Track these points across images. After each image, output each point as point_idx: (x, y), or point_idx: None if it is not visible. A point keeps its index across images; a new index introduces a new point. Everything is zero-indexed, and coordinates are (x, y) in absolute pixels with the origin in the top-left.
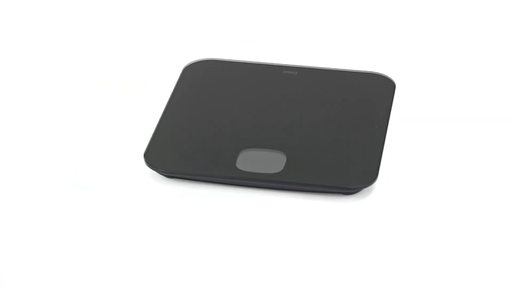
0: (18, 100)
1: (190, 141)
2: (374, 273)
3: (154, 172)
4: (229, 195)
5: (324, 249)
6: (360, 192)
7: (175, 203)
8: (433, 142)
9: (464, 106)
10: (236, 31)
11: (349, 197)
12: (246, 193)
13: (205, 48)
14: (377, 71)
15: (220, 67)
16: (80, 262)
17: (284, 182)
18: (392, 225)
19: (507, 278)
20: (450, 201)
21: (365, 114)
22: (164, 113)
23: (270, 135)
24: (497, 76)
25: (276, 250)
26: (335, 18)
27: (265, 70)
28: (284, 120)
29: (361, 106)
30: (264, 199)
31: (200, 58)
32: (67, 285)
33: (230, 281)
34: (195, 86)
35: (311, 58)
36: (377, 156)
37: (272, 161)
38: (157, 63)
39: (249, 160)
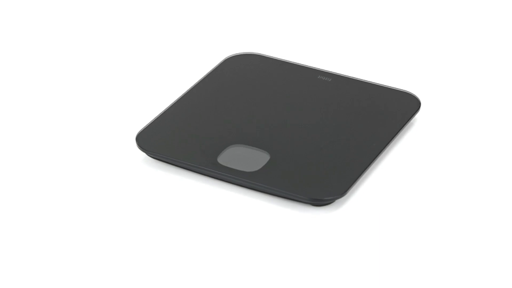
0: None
1: (187, 128)
2: None
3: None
4: (203, 186)
5: (272, 257)
6: (331, 205)
7: (153, 185)
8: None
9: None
10: (295, 28)
11: (317, 209)
12: (220, 187)
13: (262, 42)
14: (410, 91)
15: (258, 63)
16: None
17: (254, 183)
18: (351, 242)
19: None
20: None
21: (374, 130)
22: (178, 100)
23: (267, 135)
24: None
25: (226, 248)
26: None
27: (301, 72)
28: (290, 122)
29: (376, 121)
30: (234, 196)
31: (244, 51)
32: (60, 271)
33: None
34: (224, 78)
35: (355, 68)
36: (355, 173)
37: (254, 160)
38: (207, 53)
39: (232, 155)
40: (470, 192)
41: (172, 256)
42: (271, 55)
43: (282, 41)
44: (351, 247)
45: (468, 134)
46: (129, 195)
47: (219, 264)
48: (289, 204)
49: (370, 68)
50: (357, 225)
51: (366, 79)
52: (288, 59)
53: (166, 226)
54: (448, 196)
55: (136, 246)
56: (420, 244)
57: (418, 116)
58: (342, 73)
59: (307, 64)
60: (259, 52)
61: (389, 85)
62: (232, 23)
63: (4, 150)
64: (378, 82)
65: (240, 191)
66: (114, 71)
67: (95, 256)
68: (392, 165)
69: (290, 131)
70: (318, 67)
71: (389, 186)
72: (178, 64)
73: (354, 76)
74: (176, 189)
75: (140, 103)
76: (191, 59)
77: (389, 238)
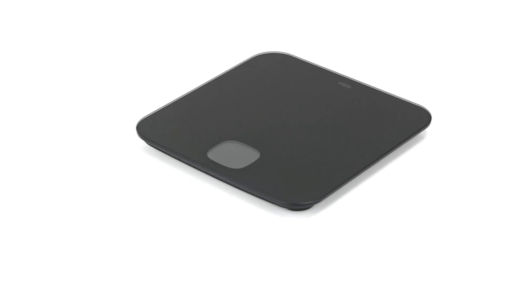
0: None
1: (189, 121)
2: None
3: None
4: (190, 179)
5: (237, 258)
6: (310, 210)
7: (146, 173)
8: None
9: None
10: (334, 33)
11: (294, 213)
12: (206, 182)
13: (301, 43)
14: (424, 105)
15: (284, 63)
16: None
17: (234, 181)
18: (321, 249)
19: None
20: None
21: (375, 140)
22: (190, 92)
23: (265, 134)
24: None
25: (194, 244)
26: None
27: (324, 76)
28: (292, 124)
29: (380, 131)
30: (216, 192)
31: (278, 51)
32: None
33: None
34: (243, 75)
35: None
36: (337, 180)
37: (242, 157)
38: (242, 49)
39: (223, 151)
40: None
41: (144, 245)
42: (304, 57)
43: (320, 44)
44: (321, 254)
45: (477, 155)
46: (122, 182)
47: (183, 259)
48: (267, 206)
49: (396, 80)
50: (329, 232)
51: (385, 90)
52: (317, 62)
53: (147, 215)
54: (433, 216)
55: (116, 231)
56: (395, 257)
57: (429, 131)
58: (365, 82)
59: (333, 69)
60: (292, 53)
61: (406, 98)
62: (274, 22)
63: (5, 135)
64: (395, 94)
65: (223, 187)
66: (145, 62)
67: (89, 238)
68: (388, 177)
69: (289, 132)
70: (344, 74)
71: (375, 198)
72: (211, 58)
73: (375, 86)
74: (166, 180)
75: (159, 94)
76: (225, 55)
77: (360, 249)
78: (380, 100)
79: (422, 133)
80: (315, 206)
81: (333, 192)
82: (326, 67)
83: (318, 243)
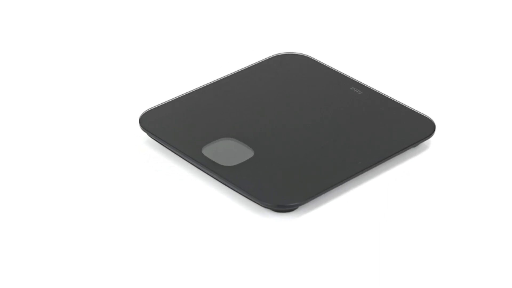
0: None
1: (193, 115)
2: None
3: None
4: (184, 173)
5: (218, 257)
6: (295, 212)
7: (144, 165)
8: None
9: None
10: (358, 38)
11: (279, 215)
12: (197, 177)
13: (325, 45)
14: (430, 116)
15: (300, 64)
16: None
17: (222, 178)
18: (302, 251)
19: None
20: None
21: (373, 146)
22: (200, 87)
23: (264, 133)
24: None
25: (178, 240)
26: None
27: (338, 80)
28: (294, 124)
29: (381, 138)
30: (205, 188)
31: (295, 51)
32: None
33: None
34: (256, 74)
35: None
36: (324, 185)
37: (236, 155)
38: (264, 49)
39: (218, 148)
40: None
41: (132, 237)
42: (324, 60)
43: (343, 48)
44: (302, 256)
45: (479, 166)
46: (118, 173)
47: (161, 254)
48: (253, 206)
49: (410, 89)
50: (312, 235)
51: (397, 98)
52: (337, 66)
53: (136, 207)
54: (418, 226)
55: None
56: (377, 262)
57: (433, 141)
58: (378, 89)
59: (351, 74)
60: (313, 55)
61: (414, 107)
62: (300, 24)
63: (10, 128)
64: (404, 102)
65: (214, 184)
66: (165, 58)
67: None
68: (383, 184)
69: (288, 133)
70: (360, 79)
71: (365, 204)
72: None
73: (387, 93)
74: (161, 173)
75: (171, 88)
76: (247, 53)
77: (341, 253)
78: (387, 107)
79: (425, 142)
80: (302, 208)
81: (320, 195)
82: (343, 71)
83: (301, 246)
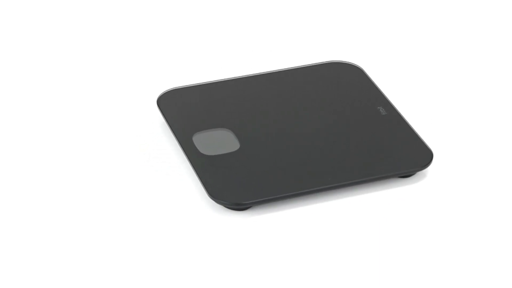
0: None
1: (207, 103)
2: None
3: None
4: (171, 158)
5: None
6: (249, 210)
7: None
8: None
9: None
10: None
11: (234, 213)
12: (181, 160)
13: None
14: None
15: (344, 74)
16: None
17: (193, 166)
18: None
19: None
20: None
21: (354, 167)
22: (233, 79)
23: (262, 133)
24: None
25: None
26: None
27: (371, 96)
28: (293, 129)
29: (371, 160)
30: (179, 173)
31: (354, 61)
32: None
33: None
34: (295, 76)
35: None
36: (284, 190)
37: (220, 146)
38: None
39: (209, 137)
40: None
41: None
42: (383, 73)
43: (410, 64)
44: (246, 256)
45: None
46: (120, 172)
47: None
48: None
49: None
50: (258, 236)
51: (412, 121)
52: (393, 81)
53: (131, 206)
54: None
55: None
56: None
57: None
58: (403, 112)
59: (388, 94)
60: (376, 67)
61: (423, 133)
62: (370, 35)
63: (29, 113)
64: (415, 127)
65: (186, 171)
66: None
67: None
68: (352, 204)
69: (285, 136)
70: (396, 100)
71: (325, 217)
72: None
73: (408, 117)
74: (162, 173)
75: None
76: (310, 56)
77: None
78: (399, 129)
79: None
80: (259, 211)
81: (275, 201)
82: (385, 89)
83: (245, 245)
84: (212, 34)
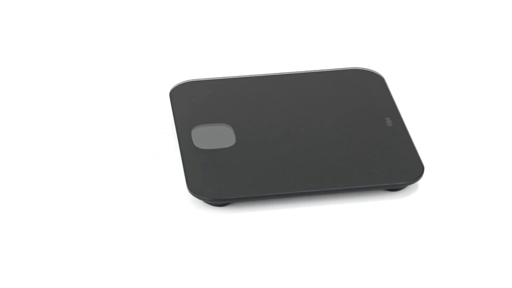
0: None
1: (220, 97)
2: None
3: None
4: (172, 153)
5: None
6: (230, 208)
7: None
8: None
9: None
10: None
11: (213, 208)
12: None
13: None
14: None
15: (363, 82)
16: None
17: (183, 158)
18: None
19: None
20: None
21: (347, 175)
22: (252, 76)
23: (262, 132)
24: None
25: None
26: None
27: (383, 107)
28: (294, 132)
29: (362, 169)
30: (170, 165)
31: (376, 70)
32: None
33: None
34: (313, 80)
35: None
36: (262, 191)
37: (215, 141)
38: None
39: (210, 131)
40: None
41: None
42: (399, 83)
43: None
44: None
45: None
46: (122, 170)
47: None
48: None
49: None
50: (234, 233)
51: (418, 136)
52: (403, 92)
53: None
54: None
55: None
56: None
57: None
58: (413, 126)
59: (405, 105)
60: (393, 77)
61: (425, 148)
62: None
63: (37, 113)
64: (419, 141)
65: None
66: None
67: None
68: (332, 211)
69: (284, 137)
70: (410, 113)
71: (305, 221)
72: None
73: (415, 131)
74: (162, 173)
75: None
76: (336, 60)
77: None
78: (398, 142)
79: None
80: (239, 208)
81: (255, 199)
82: (403, 100)
83: (218, 242)
84: (243, 32)
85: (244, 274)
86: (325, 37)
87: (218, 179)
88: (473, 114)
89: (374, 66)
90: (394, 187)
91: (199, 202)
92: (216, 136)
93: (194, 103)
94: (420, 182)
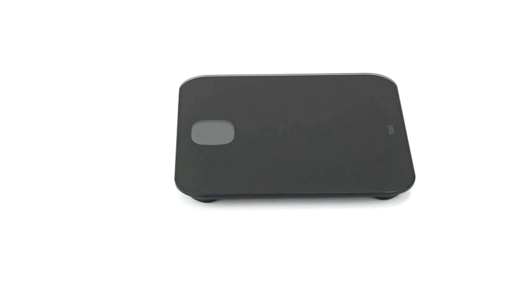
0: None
1: (223, 95)
2: None
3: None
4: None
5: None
6: (215, 204)
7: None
8: None
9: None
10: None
11: (199, 204)
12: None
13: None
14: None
15: (375, 88)
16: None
17: (177, 150)
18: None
19: None
20: None
21: (339, 180)
22: (253, 76)
23: (262, 132)
24: (495, 75)
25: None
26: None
27: (389, 115)
28: (294, 134)
29: (353, 175)
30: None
31: (393, 76)
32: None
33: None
34: (325, 84)
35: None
36: (245, 190)
37: (214, 137)
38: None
39: (209, 127)
40: None
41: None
42: (414, 91)
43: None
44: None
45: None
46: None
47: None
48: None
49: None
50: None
51: (417, 145)
52: (416, 100)
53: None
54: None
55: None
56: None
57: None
58: (413, 134)
59: (414, 114)
60: (410, 84)
61: (424, 159)
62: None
63: (44, 117)
64: (415, 151)
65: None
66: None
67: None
68: (317, 216)
69: (283, 138)
70: (418, 122)
71: (288, 223)
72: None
73: (414, 138)
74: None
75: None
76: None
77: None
78: (393, 152)
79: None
80: (226, 206)
81: (239, 197)
82: (413, 110)
83: (200, 237)
84: (265, 31)
85: (222, 270)
86: (349, 42)
87: (206, 175)
88: (480, 129)
89: (394, 73)
90: (383, 195)
91: (187, 197)
92: (215, 133)
93: (201, 98)
94: (412, 192)
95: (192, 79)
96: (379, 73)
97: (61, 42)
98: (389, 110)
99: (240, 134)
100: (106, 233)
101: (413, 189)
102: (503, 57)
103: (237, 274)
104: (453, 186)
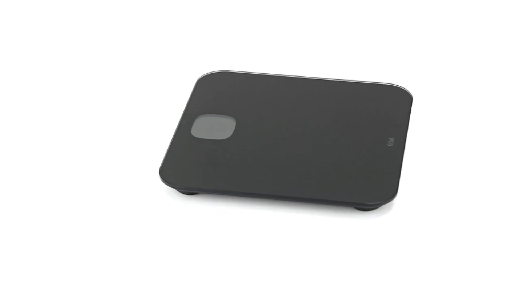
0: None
1: (235, 91)
2: None
3: None
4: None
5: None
6: (199, 200)
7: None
8: None
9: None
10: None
11: (185, 197)
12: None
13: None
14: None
15: (390, 98)
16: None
17: (172, 141)
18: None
19: None
20: None
21: (326, 186)
22: (270, 75)
23: (262, 131)
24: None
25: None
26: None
27: (394, 126)
28: (295, 135)
29: (341, 182)
30: (157, 150)
31: (411, 87)
32: None
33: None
34: (343, 90)
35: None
36: (228, 187)
37: (214, 132)
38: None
39: (213, 120)
40: None
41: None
42: (432, 103)
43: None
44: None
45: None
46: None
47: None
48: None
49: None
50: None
51: (415, 160)
52: (432, 112)
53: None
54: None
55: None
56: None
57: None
58: (414, 149)
59: (423, 127)
60: (428, 96)
61: (413, 172)
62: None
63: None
64: (412, 165)
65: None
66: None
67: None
68: (303, 221)
69: (282, 139)
70: (421, 136)
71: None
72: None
73: (413, 152)
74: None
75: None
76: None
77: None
78: (384, 164)
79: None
80: (211, 201)
81: (218, 193)
82: (425, 123)
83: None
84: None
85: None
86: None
87: (191, 168)
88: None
89: (415, 85)
90: (362, 206)
91: (172, 189)
92: (216, 128)
93: (214, 93)
94: (393, 205)
95: (210, 74)
96: (397, 84)
97: (82, 32)
98: (396, 121)
99: (239, 131)
100: (92, 221)
101: (395, 203)
102: None
103: (214, 267)
104: (434, 207)
